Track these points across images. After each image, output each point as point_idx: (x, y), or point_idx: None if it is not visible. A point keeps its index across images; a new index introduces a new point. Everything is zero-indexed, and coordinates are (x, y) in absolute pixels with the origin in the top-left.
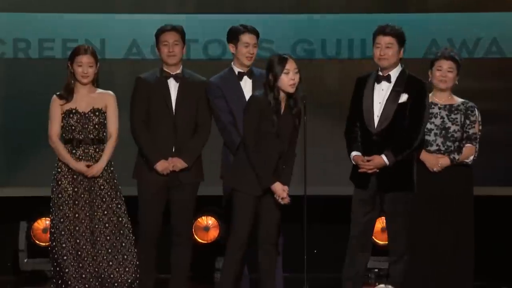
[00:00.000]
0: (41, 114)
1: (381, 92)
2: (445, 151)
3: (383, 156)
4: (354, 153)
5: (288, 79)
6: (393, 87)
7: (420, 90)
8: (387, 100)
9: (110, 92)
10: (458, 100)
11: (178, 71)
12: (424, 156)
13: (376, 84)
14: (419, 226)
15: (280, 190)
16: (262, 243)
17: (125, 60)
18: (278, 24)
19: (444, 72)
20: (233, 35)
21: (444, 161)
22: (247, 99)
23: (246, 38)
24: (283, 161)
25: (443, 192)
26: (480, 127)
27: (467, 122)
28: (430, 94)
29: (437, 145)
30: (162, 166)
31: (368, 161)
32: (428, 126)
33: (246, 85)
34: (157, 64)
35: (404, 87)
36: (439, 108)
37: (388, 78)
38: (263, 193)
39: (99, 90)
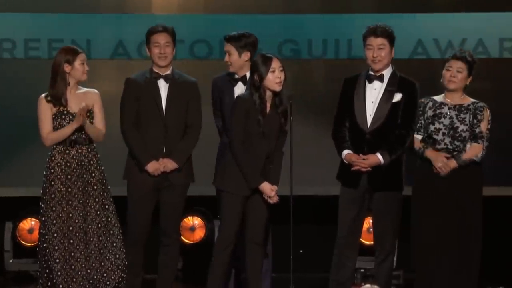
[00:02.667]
0: (27, 114)
1: (374, 92)
2: (453, 150)
3: (379, 155)
4: (346, 152)
5: (274, 78)
6: (386, 86)
7: (413, 91)
8: (380, 99)
9: (95, 90)
10: (469, 100)
11: (168, 72)
12: (430, 153)
13: (367, 83)
14: (425, 226)
15: (269, 189)
16: (249, 243)
17: (111, 60)
18: (264, 24)
19: (453, 72)
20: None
21: (453, 164)
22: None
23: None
24: (270, 161)
25: (451, 191)
26: (489, 126)
27: (475, 121)
28: (442, 95)
29: (445, 143)
30: (153, 167)
31: (363, 159)
32: (437, 125)
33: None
34: (143, 64)
35: (397, 87)
36: (449, 109)
37: (381, 78)
38: (251, 193)
39: (83, 89)
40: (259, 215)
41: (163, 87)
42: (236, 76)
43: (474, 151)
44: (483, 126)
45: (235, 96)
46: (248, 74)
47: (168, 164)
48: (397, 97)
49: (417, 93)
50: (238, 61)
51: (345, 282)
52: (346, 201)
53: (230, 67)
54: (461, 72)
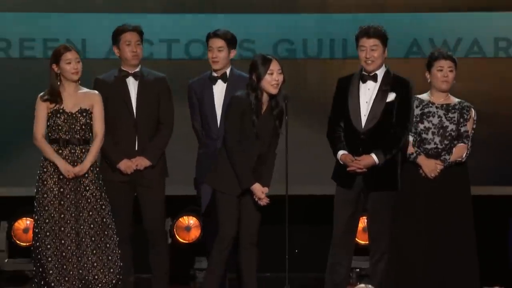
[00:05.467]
0: (22, 114)
1: (368, 92)
2: (442, 150)
3: (373, 156)
4: (341, 152)
5: (272, 80)
6: (380, 86)
7: (407, 90)
8: (374, 99)
9: (96, 91)
10: (455, 99)
11: (137, 70)
12: (422, 160)
13: (361, 83)
14: (415, 228)
15: (259, 191)
16: (244, 243)
17: (106, 60)
18: (259, 23)
19: (445, 72)
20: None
21: (440, 166)
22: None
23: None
24: (262, 162)
25: (439, 192)
26: (474, 126)
27: (461, 120)
28: (426, 94)
29: (435, 143)
30: (124, 165)
31: (358, 160)
32: (426, 124)
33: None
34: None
35: (390, 86)
36: (436, 108)
37: (374, 77)
38: (243, 192)
39: (84, 90)
40: (253, 215)
41: (132, 85)
42: (215, 75)
43: (459, 151)
44: (469, 126)
45: (215, 95)
46: (228, 72)
47: (141, 162)
48: (391, 96)
49: (411, 92)
50: (226, 58)
51: (341, 282)
52: (341, 201)
53: (217, 63)
54: (452, 71)
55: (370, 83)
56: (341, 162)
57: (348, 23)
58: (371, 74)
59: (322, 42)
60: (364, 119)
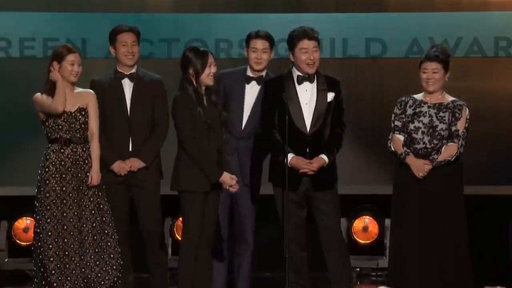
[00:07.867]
0: (22, 113)
1: (306, 93)
2: (431, 149)
3: (324, 157)
4: (290, 156)
5: (210, 72)
6: (317, 86)
7: (339, 89)
8: (316, 100)
9: (91, 91)
10: (449, 99)
11: (133, 71)
12: (411, 161)
13: (297, 85)
14: (409, 228)
15: (229, 179)
16: (202, 243)
17: (106, 59)
18: (259, 23)
19: (429, 75)
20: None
21: (428, 166)
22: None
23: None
24: (221, 153)
25: (431, 191)
26: (467, 125)
27: (453, 119)
28: (422, 93)
29: (424, 143)
30: (118, 166)
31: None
32: (416, 124)
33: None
34: (140, 64)
35: (327, 86)
36: (428, 107)
37: (310, 78)
38: (210, 189)
39: (79, 89)
40: (213, 215)
41: (128, 86)
42: (251, 75)
43: (449, 151)
44: (460, 125)
45: (246, 94)
46: (264, 74)
47: (135, 163)
48: (330, 96)
49: (342, 91)
50: (268, 60)
51: (301, 267)
52: (289, 203)
53: (260, 64)
54: (437, 72)
55: (306, 84)
56: (290, 165)
57: (348, 23)
58: (307, 76)
59: (322, 42)
60: (308, 121)
